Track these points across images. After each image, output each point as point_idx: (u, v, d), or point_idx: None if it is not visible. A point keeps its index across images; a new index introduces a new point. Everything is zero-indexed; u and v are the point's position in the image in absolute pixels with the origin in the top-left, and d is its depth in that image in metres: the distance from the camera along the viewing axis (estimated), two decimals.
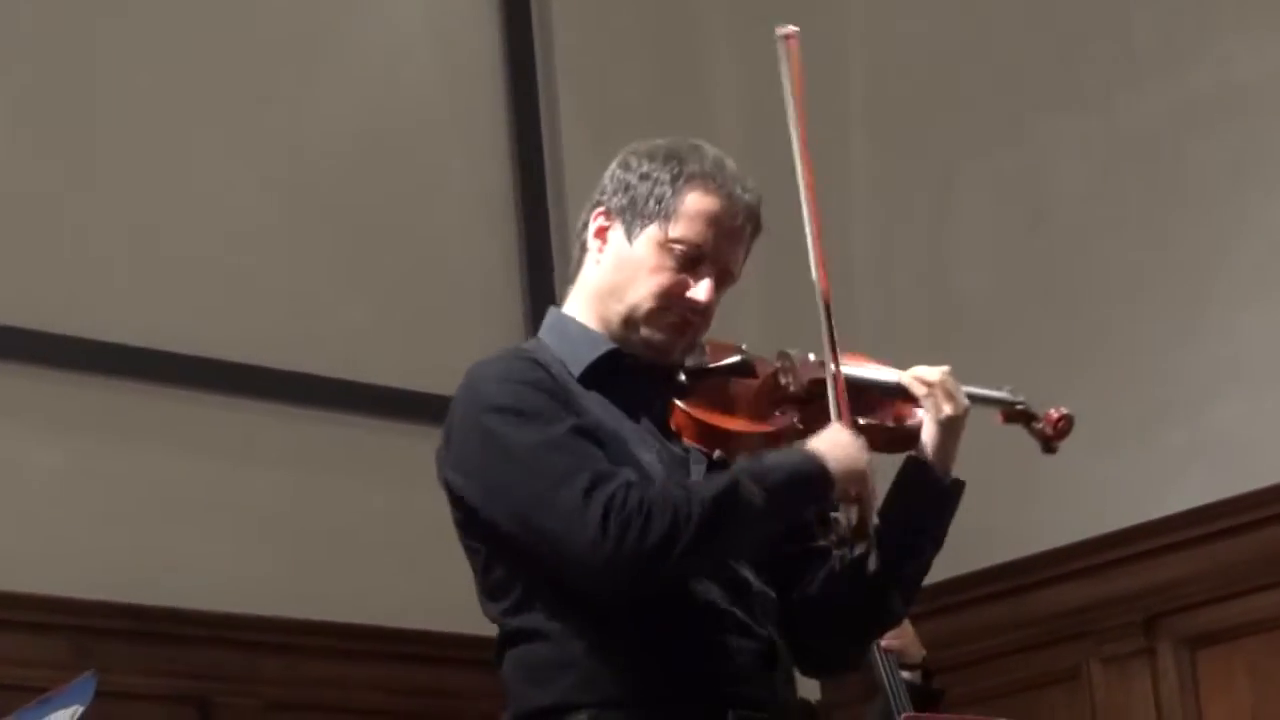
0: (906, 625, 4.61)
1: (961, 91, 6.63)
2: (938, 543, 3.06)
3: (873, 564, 2.89)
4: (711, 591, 2.84)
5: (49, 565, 5.43)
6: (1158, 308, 6.12)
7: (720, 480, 2.81)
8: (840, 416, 2.91)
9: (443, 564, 6.06)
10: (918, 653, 4.68)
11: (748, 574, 2.91)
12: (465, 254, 6.49)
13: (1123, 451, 6.01)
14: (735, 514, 2.78)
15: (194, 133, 5.99)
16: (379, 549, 5.99)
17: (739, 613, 2.86)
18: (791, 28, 3.03)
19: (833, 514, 2.90)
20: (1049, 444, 3.24)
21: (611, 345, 2.94)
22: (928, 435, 3.03)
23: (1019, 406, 3.24)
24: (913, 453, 3.04)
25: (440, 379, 5.97)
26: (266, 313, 6.01)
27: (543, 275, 6.54)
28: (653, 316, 2.93)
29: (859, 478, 2.85)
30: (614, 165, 3.05)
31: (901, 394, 3.06)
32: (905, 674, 4.79)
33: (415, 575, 5.91)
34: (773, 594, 2.95)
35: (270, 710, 5.68)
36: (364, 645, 5.90)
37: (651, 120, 6.59)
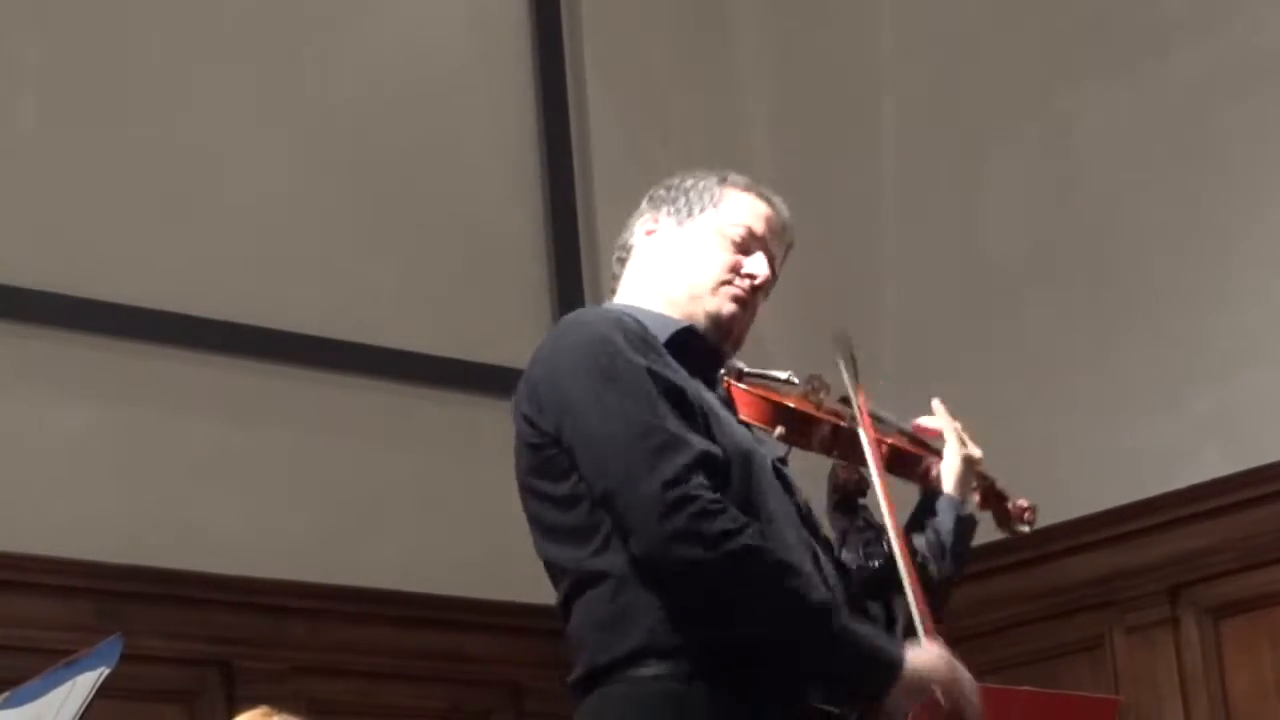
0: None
1: (991, 60, 6.60)
2: (957, 570, 3.11)
3: None
4: (795, 551, 2.85)
5: (74, 529, 5.44)
6: (1186, 276, 6.10)
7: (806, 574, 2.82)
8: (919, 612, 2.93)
9: (468, 529, 6.08)
10: None
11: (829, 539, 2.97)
12: (491, 220, 6.48)
13: (1149, 420, 6.00)
14: (784, 595, 2.77)
15: (220, 96, 5.98)
16: (404, 513, 6.00)
17: (821, 576, 2.88)
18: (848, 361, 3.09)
19: None
20: (1013, 527, 3.30)
21: (685, 323, 2.99)
22: (949, 471, 3.12)
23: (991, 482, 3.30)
24: (931, 489, 3.13)
25: (466, 344, 6.05)
26: (291, 277, 6.01)
27: (568, 241, 6.53)
28: (716, 290, 3.01)
29: (921, 694, 2.84)
30: (649, 195, 3.13)
31: (919, 442, 3.17)
32: None
33: (440, 540, 5.92)
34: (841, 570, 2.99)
35: (294, 674, 5.69)
36: (388, 610, 5.91)
37: (678, 82, 6.59)
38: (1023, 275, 6.41)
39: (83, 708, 3.04)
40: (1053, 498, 6.03)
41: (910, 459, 3.15)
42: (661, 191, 3.12)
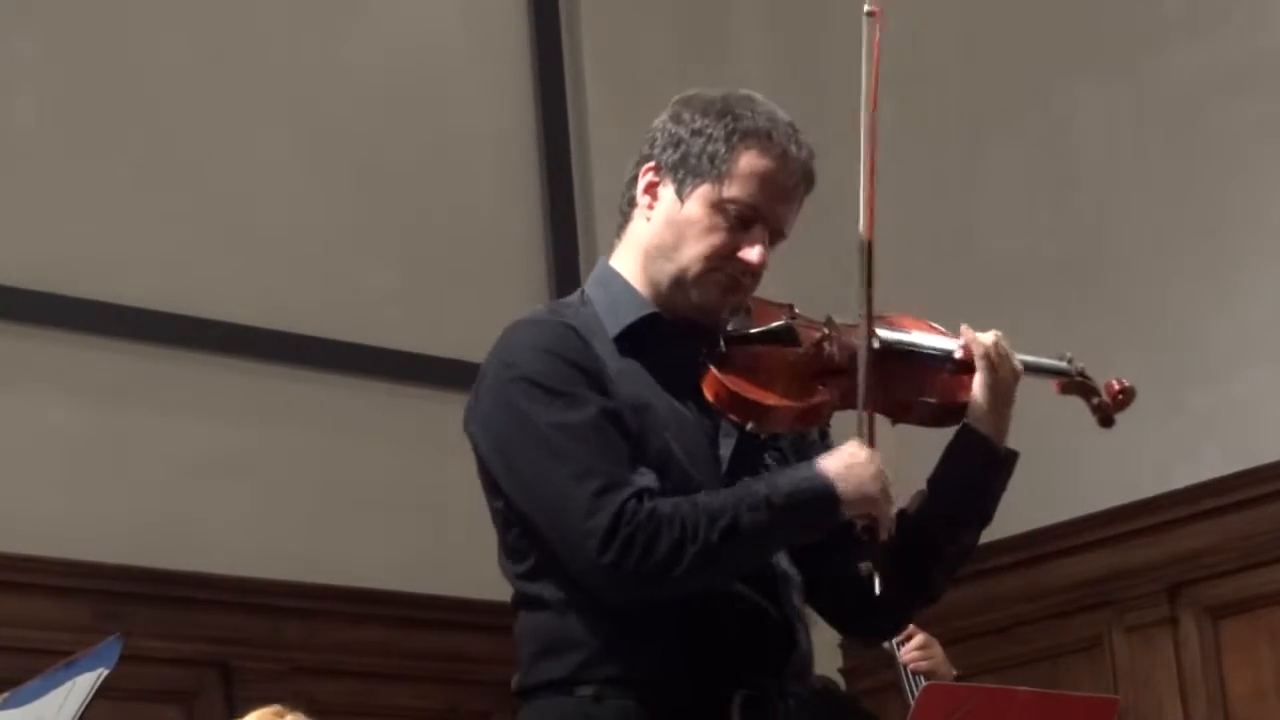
0: (936, 647, 4.57)
1: (989, 58, 6.60)
2: (985, 517, 2.99)
3: (877, 588, 2.84)
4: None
5: (73, 530, 5.44)
6: (1184, 274, 6.10)
7: (729, 498, 2.76)
8: (862, 434, 2.84)
9: (464, 529, 6.06)
10: (948, 673, 4.64)
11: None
12: (489, 219, 6.48)
13: (1147, 420, 5.96)
14: (741, 535, 2.74)
15: (220, 95, 5.98)
16: (401, 514, 6.00)
17: (751, 593, 2.84)
18: (876, 7, 2.96)
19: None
20: (1108, 418, 3.10)
21: (652, 309, 2.89)
22: (979, 403, 2.94)
23: (1079, 378, 3.11)
24: (966, 421, 2.94)
25: (463, 344, 6.01)
26: (288, 277, 6.01)
27: (567, 240, 6.53)
28: (703, 278, 2.86)
29: (869, 502, 2.80)
30: (663, 118, 2.94)
31: (950, 362, 2.97)
32: None
33: (436, 540, 5.92)
34: (795, 573, 2.91)
35: (291, 674, 5.70)
36: (385, 610, 5.91)
37: (676, 82, 6.56)
38: (1020, 274, 6.40)
39: (82, 708, 3.04)
40: (1051, 498, 6.08)
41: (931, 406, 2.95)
42: (669, 130, 2.89)
